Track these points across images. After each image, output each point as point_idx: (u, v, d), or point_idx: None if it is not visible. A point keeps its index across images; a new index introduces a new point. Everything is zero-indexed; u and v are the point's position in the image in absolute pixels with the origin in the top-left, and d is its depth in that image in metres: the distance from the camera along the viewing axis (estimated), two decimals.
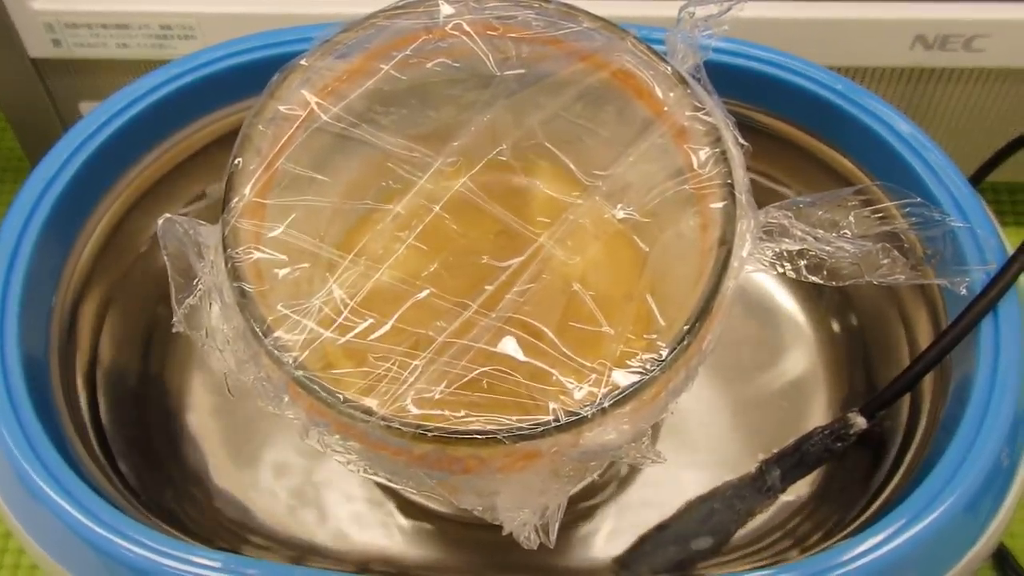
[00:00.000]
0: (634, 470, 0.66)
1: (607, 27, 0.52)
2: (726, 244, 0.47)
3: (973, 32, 0.72)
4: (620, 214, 0.53)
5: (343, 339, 0.47)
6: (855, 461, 0.62)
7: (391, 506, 0.65)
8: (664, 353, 0.45)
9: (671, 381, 0.46)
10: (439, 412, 0.44)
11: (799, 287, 0.71)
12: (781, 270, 0.50)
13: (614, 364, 0.46)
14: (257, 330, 0.46)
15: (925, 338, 0.61)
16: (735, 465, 0.63)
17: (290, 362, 0.45)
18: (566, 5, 0.52)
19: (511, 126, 0.53)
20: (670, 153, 0.50)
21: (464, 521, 0.64)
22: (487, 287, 0.49)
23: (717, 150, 0.49)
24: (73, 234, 0.62)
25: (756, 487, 0.59)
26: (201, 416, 0.67)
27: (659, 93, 0.51)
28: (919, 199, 0.52)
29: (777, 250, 0.49)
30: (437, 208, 0.52)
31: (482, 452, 0.44)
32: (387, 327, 0.47)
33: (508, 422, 0.44)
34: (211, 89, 0.64)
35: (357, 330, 0.47)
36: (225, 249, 0.47)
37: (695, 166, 0.49)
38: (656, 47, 0.52)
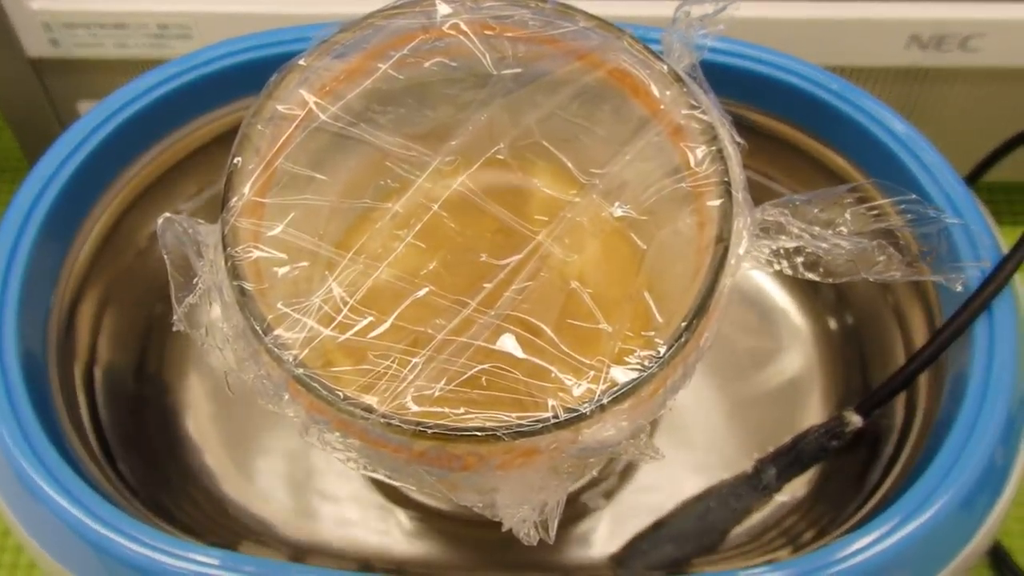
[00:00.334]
0: (631, 468, 0.66)
1: (603, 26, 0.52)
2: (723, 241, 0.47)
3: (968, 32, 0.72)
4: (617, 212, 0.53)
5: (343, 337, 0.47)
6: (850, 460, 0.62)
7: (390, 504, 0.65)
8: (662, 350, 0.45)
9: (669, 378, 0.46)
10: (439, 409, 0.45)
11: (795, 286, 0.71)
12: (778, 267, 0.50)
13: (612, 361, 0.46)
14: (257, 328, 0.46)
15: (920, 337, 0.62)
16: (731, 464, 0.64)
17: (290, 360, 0.45)
18: (562, 4, 0.52)
19: (508, 125, 0.53)
20: (667, 151, 0.51)
21: (463, 519, 0.64)
22: (486, 285, 0.49)
23: (713, 148, 0.49)
24: (71, 233, 0.62)
25: (752, 485, 0.59)
26: (199, 415, 0.67)
27: (655, 91, 0.51)
28: (914, 196, 0.52)
29: (774, 247, 0.49)
30: (435, 207, 0.52)
31: (481, 449, 0.45)
32: (386, 325, 0.48)
33: (507, 419, 0.44)
34: (208, 89, 0.64)
35: (357, 328, 0.47)
36: (225, 248, 0.47)
37: (692, 164, 0.49)
38: (652, 46, 0.52)
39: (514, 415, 0.44)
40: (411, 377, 0.45)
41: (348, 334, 0.47)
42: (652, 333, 0.48)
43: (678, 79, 0.51)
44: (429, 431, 0.44)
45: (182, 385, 0.68)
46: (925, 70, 0.76)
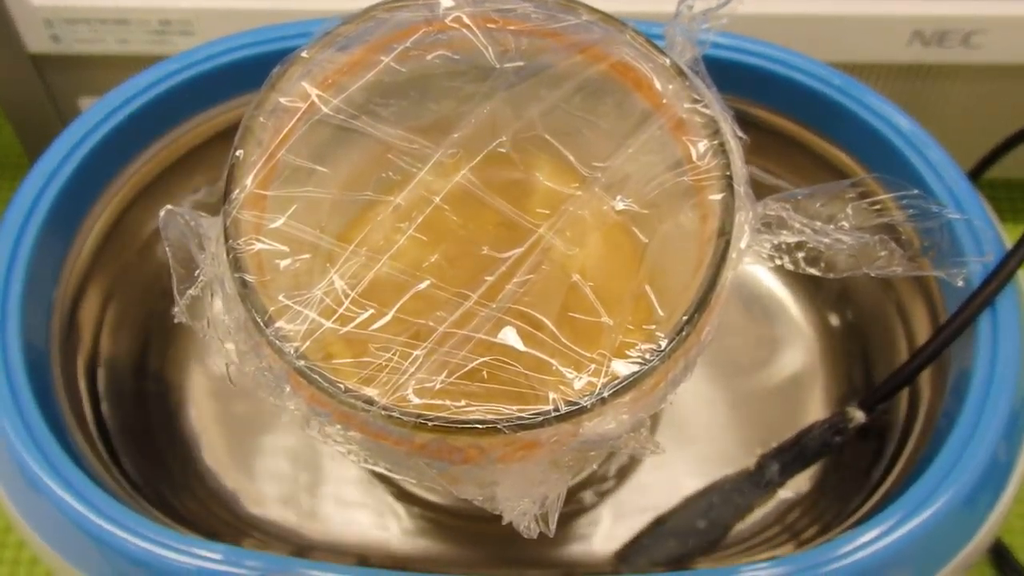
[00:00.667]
0: (633, 464, 0.66)
1: (606, 20, 0.52)
2: (725, 235, 0.47)
3: (971, 28, 0.72)
4: (619, 205, 0.53)
5: (344, 329, 0.47)
6: (853, 455, 0.62)
7: (391, 499, 0.65)
8: (663, 344, 0.45)
9: (670, 371, 0.46)
10: (440, 402, 0.45)
11: (797, 282, 0.71)
12: (779, 262, 0.50)
13: (613, 354, 0.46)
14: (258, 320, 0.46)
15: (923, 332, 0.62)
16: (734, 459, 0.64)
17: (291, 352, 0.45)
18: None
19: (511, 118, 0.53)
20: (669, 145, 0.51)
21: (465, 514, 0.64)
22: (487, 278, 0.49)
23: (716, 142, 0.49)
24: (74, 229, 0.62)
25: (755, 481, 0.59)
26: (201, 410, 0.67)
27: (658, 85, 0.51)
28: (916, 191, 0.52)
29: (775, 242, 0.49)
30: (437, 200, 0.52)
31: (482, 442, 0.45)
32: (388, 317, 0.48)
33: (508, 412, 0.44)
34: (210, 85, 0.65)
35: (358, 320, 0.47)
36: (227, 240, 0.47)
37: (694, 158, 0.49)
38: (655, 41, 0.52)
39: (515, 408, 0.44)
40: (412, 370, 0.45)
41: (349, 326, 0.47)
42: (653, 327, 0.48)
43: (680, 73, 0.51)
44: (430, 423, 0.44)
45: (184, 381, 0.68)
46: (927, 66, 0.76)
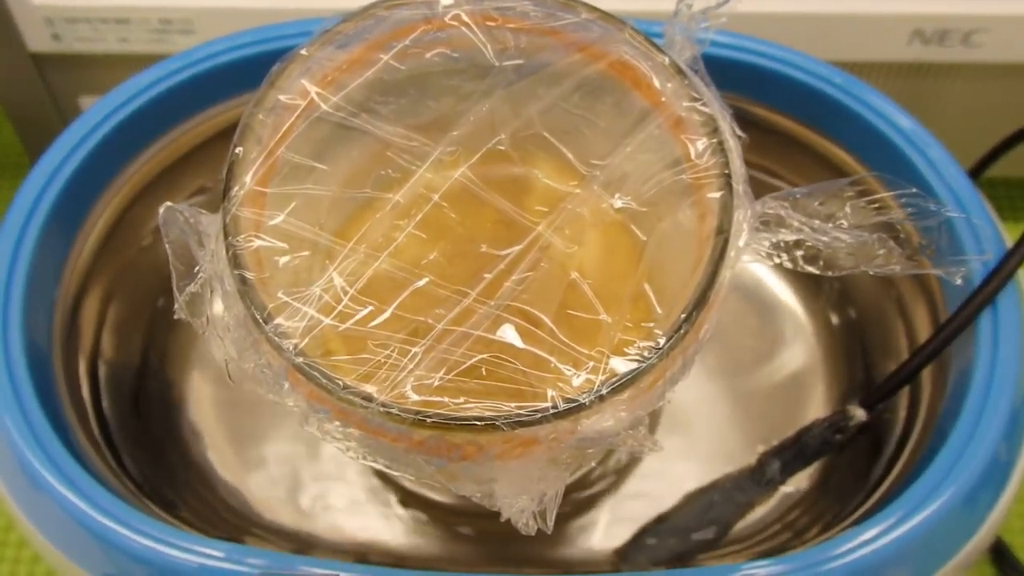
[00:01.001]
0: (633, 462, 0.66)
1: (605, 18, 0.52)
2: (723, 233, 0.47)
3: (971, 27, 0.72)
4: (618, 204, 0.53)
5: (343, 326, 0.47)
6: (854, 454, 0.62)
7: (391, 497, 0.65)
8: (661, 341, 0.45)
9: (668, 369, 0.46)
10: (438, 399, 0.45)
11: (798, 280, 0.71)
12: (778, 260, 0.50)
13: (612, 352, 0.46)
14: (258, 317, 0.46)
15: (924, 331, 0.62)
16: (735, 457, 0.64)
17: (290, 349, 0.45)
18: None
19: (509, 116, 0.53)
20: (667, 143, 0.51)
21: (464, 512, 0.64)
22: (486, 275, 0.49)
23: (714, 140, 0.49)
24: (75, 227, 0.62)
25: (756, 479, 0.59)
26: (202, 408, 0.67)
27: (656, 84, 0.51)
28: (915, 189, 0.52)
29: (774, 240, 0.49)
30: (436, 197, 0.52)
31: (481, 438, 0.45)
32: (387, 315, 0.48)
33: (506, 409, 0.44)
34: (211, 84, 0.65)
35: (357, 317, 0.47)
36: (226, 237, 0.48)
37: (692, 156, 0.49)
38: (654, 39, 0.52)
39: (513, 405, 0.44)
40: (411, 366, 0.45)
41: (348, 323, 0.47)
42: (652, 324, 0.48)
43: (679, 71, 0.51)
44: (428, 420, 0.44)
45: (185, 379, 0.68)
46: (927, 65, 0.76)
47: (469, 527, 0.64)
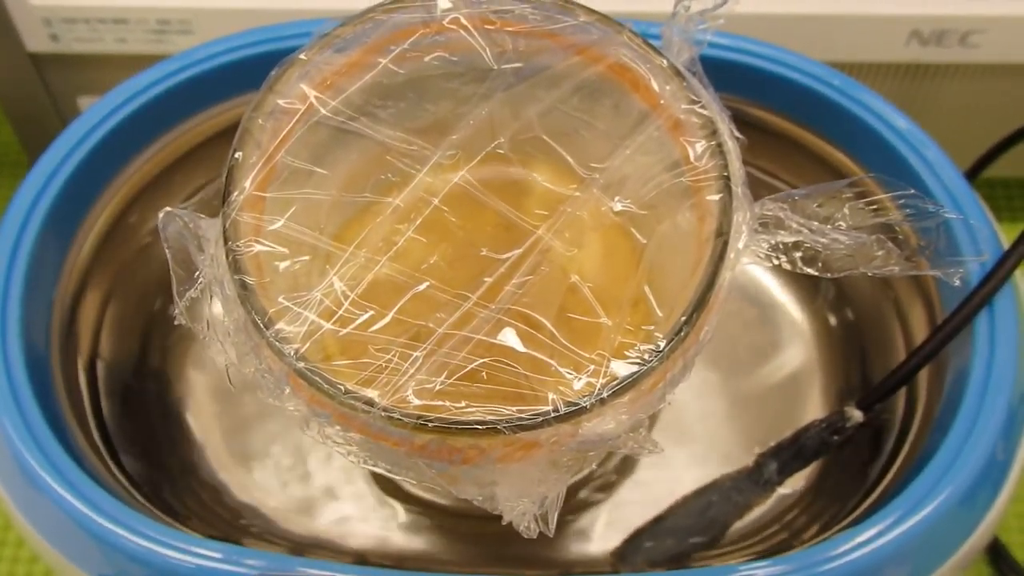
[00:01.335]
0: (632, 463, 0.66)
1: (603, 21, 0.52)
2: (723, 236, 0.47)
3: (968, 28, 0.72)
4: (617, 206, 0.53)
5: (344, 331, 0.47)
6: (851, 454, 0.62)
7: (389, 499, 0.65)
8: (662, 344, 0.45)
9: (669, 371, 0.46)
10: (439, 403, 0.45)
11: (795, 282, 0.71)
12: (777, 262, 0.50)
13: (612, 355, 0.46)
14: (258, 322, 0.46)
15: (921, 332, 0.62)
16: (732, 458, 0.64)
17: (291, 354, 0.45)
18: None
19: (509, 119, 0.53)
20: (666, 146, 0.51)
21: (463, 514, 0.64)
22: (486, 279, 0.49)
23: (713, 143, 0.49)
24: (74, 228, 0.62)
25: (753, 480, 0.59)
26: (201, 409, 0.67)
27: (655, 86, 0.51)
28: (913, 191, 0.52)
29: (773, 242, 0.49)
30: (436, 201, 0.52)
31: (482, 442, 0.45)
32: (387, 319, 0.48)
33: (508, 412, 0.44)
34: (209, 85, 0.65)
35: (358, 322, 0.47)
36: (226, 242, 0.48)
37: (691, 159, 0.49)
38: (652, 41, 0.52)
39: (514, 408, 0.44)
40: (412, 371, 0.46)
41: (349, 328, 0.47)
42: (652, 327, 0.48)
43: (678, 74, 0.51)
44: (430, 424, 0.44)
45: (183, 380, 0.68)
46: (925, 66, 0.76)
47: (467, 528, 0.64)
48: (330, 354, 0.47)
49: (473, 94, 0.53)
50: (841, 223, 0.50)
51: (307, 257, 0.50)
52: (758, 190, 0.50)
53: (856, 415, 0.57)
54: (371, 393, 0.45)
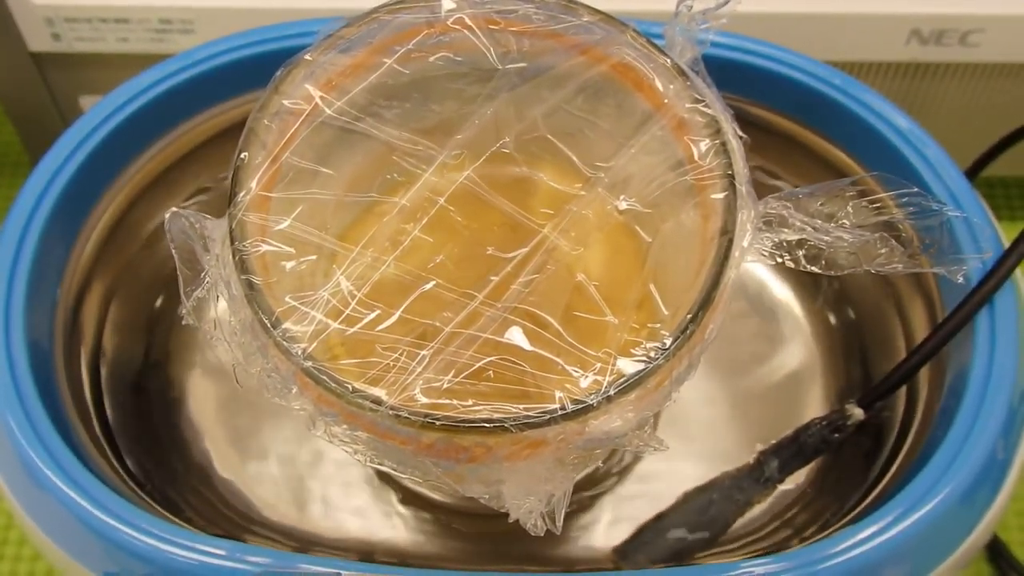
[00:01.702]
0: (633, 461, 0.66)
1: (607, 20, 0.52)
2: (727, 234, 0.48)
3: (968, 27, 0.72)
4: (622, 205, 0.53)
5: (351, 330, 0.47)
6: (852, 452, 0.62)
7: (394, 497, 0.65)
8: (668, 342, 0.46)
9: (675, 369, 0.47)
10: (447, 401, 0.45)
11: (796, 281, 0.71)
12: (780, 260, 0.50)
13: (619, 353, 0.46)
14: (265, 322, 0.46)
15: (921, 330, 0.62)
16: (733, 456, 0.64)
17: (299, 353, 0.45)
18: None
19: (513, 119, 0.53)
20: (671, 145, 0.51)
21: (467, 512, 0.64)
22: (492, 278, 0.49)
23: (717, 141, 0.49)
24: (77, 227, 0.62)
25: (754, 478, 0.60)
26: (204, 407, 0.67)
27: (659, 86, 0.51)
28: (916, 189, 0.52)
29: (776, 240, 0.50)
30: (442, 200, 0.52)
31: (489, 440, 0.45)
32: (394, 318, 0.48)
33: (515, 411, 0.44)
34: (211, 84, 0.65)
35: (365, 321, 0.48)
36: (232, 242, 0.48)
37: (696, 157, 0.50)
38: (655, 41, 0.52)
39: (522, 407, 0.44)
40: (419, 369, 0.46)
41: (356, 327, 0.47)
42: (658, 325, 0.48)
43: (682, 73, 0.51)
44: (438, 423, 0.44)
45: (186, 378, 0.68)
46: (925, 65, 0.76)
47: (471, 526, 0.64)
48: (336, 355, 0.48)
49: (478, 94, 0.53)
50: (844, 221, 0.50)
51: (313, 257, 0.50)
52: (760, 190, 0.50)
53: (857, 413, 0.57)
54: (378, 392, 0.45)
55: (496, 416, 0.44)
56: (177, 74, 0.64)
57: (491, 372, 0.47)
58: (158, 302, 0.68)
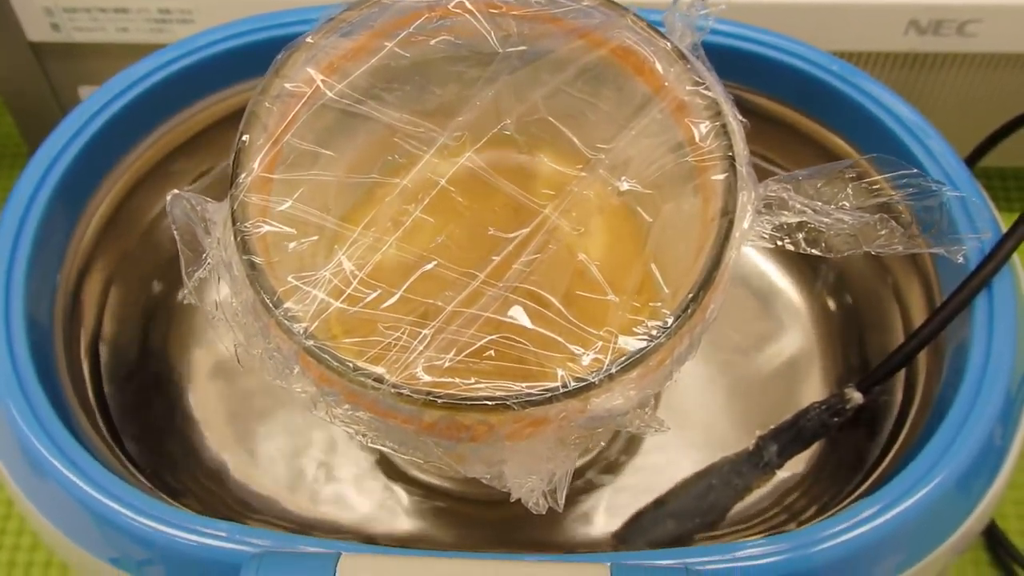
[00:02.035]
0: (633, 446, 0.66)
1: (607, 5, 0.52)
2: (728, 215, 0.48)
3: (966, 17, 0.73)
4: (623, 186, 0.53)
5: (353, 309, 0.47)
6: (850, 437, 0.62)
7: (393, 482, 0.65)
8: (669, 320, 0.46)
9: (676, 348, 0.47)
10: (449, 380, 0.45)
11: (794, 266, 0.71)
12: (780, 243, 0.50)
13: (620, 331, 0.46)
14: (267, 301, 0.46)
15: (919, 315, 0.62)
16: (732, 441, 0.64)
17: (301, 332, 0.46)
18: None
19: (514, 102, 0.53)
20: (671, 127, 0.51)
21: (466, 497, 0.64)
22: (494, 258, 0.49)
23: (718, 123, 0.49)
24: (77, 213, 0.62)
25: (753, 463, 0.60)
26: (203, 392, 0.67)
27: (659, 68, 0.51)
28: (915, 170, 0.52)
29: (776, 223, 0.50)
30: (443, 182, 0.52)
31: (491, 418, 0.45)
32: (396, 297, 0.48)
33: (517, 388, 0.44)
34: (209, 72, 0.65)
35: (366, 300, 0.48)
36: (234, 223, 0.48)
37: (696, 139, 0.50)
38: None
39: (524, 385, 0.44)
40: (421, 348, 0.46)
41: (358, 306, 0.48)
42: (659, 304, 0.48)
43: (682, 56, 0.51)
44: (440, 401, 0.44)
45: (186, 362, 0.68)
46: (923, 55, 0.76)
47: (472, 512, 0.64)
48: (335, 335, 0.48)
49: (478, 77, 0.53)
50: (844, 203, 0.50)
51: (315, 237, 0.50)
52: (760, 177, 0.50)
53: (856, 397, 0.58)
54: (381, 370, 0.45)
55: (498, 394, 0.44)
56: (175, 62, 0.64)
57: (493, 351, 0.47)
58: (158, 288, 0.68)
